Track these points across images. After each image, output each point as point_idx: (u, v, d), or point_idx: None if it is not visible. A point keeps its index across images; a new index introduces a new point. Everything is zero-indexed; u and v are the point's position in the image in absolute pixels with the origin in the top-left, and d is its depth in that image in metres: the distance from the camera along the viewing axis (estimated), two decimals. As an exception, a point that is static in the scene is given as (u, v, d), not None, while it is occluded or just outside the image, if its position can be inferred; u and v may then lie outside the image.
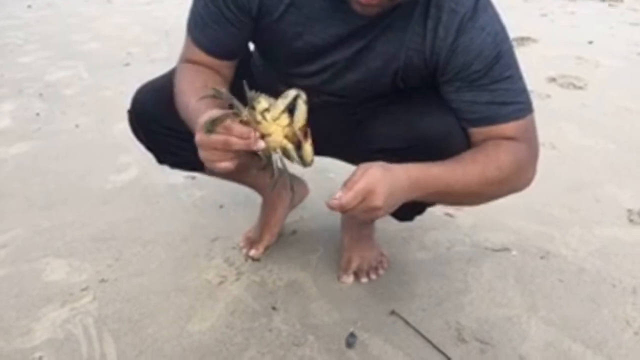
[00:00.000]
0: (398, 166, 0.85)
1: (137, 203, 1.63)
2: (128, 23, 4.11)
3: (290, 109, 0.79)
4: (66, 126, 2.21)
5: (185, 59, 1.04)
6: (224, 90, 0.81)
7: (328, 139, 1.19)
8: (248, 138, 0.76)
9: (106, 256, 1.38)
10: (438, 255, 1.38)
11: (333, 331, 1.13)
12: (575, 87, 2.62)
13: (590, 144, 2.01)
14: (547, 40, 3.41)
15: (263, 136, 0.78)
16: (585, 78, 2.71)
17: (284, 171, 0.84)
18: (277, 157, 0.83)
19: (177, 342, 1.11)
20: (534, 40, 3.39)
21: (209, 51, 1.01)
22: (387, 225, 1.41)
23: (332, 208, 0.81)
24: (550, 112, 2.25)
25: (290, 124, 0.79)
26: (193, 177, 1.71)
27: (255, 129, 0.77)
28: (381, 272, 1.30)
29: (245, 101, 0.79)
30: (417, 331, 1.13)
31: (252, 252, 1.36)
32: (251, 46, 1.12)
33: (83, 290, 1.26)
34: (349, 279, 1.28)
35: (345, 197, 0.79)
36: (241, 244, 1.40)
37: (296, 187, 1.45)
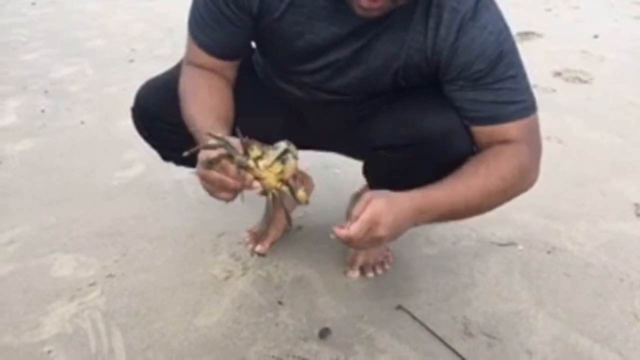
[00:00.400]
0: (401, 195, 0.87)
1: (143, 199, 1.63)
2: (132, 20, 4.11)
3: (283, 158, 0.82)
4: (71, 123, 2.22)
5: (189, 61, 1.04)
6: (219, 135, 0.82)
7: (330, 136, 1.20)
8: (243, 180, 0.80)
9: (113, 252, 1.39)
10: (444, 250, 1.38)
11: (340, 326, 1.13)
12: (580, 81, 2.60)
13: (595, 138, 2.00)
14: (551, 35, 3.39)
15: (258, 178, 0.81)
16: (590, 72, 2.70)
17: (282, 205, 0.89)
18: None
19: (184, 336, 1.12)
20: (539, 35, 3.38)
21: (210, 51, 1.01)
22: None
23: (338, 238, 0.83)
24: (556, 107, 2.24)
25: (283, 172, 0.82)
26: (198, 173, 1.71)
27: (250, 173, 0.81)
28: (387, 267, 1.31)
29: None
30: (423, 325, 1.13)
31: (258, 248, 1.36)
32: (252, 43, 1.12)
33: (91, 285, 1.27)
34: (355, 273, 1.28)
35: (353, 229, 0.81)
36: (247, 240, 1.41)
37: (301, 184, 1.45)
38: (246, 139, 0.80)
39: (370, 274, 1.28)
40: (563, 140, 1.97)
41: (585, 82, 2.60)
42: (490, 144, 0.95)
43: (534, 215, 1.50)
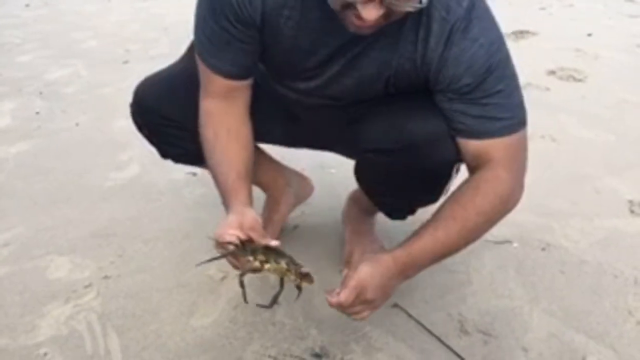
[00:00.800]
0: (385, 256, 0.93)
1: (138, 200, 1.63)
2: (126, 20, 4.10)
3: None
4: (66, 124, 2.21)
5: (205, 91, 1.04)
6: (232, 245, 0.90)
7: (325, 136, 1.20)
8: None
9: (108, 253, 1.39)
10: (439, 249, 1.38)
11: (336, 324, 1.14)
12: (574, 79, 2.61)
13: (590, 136, 2.01)
14: (546, 33, 3.40)
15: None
16: (584, 70, 2.71)
17: (280, 293, 0.96)
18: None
19: (181, 337, 1.12)
20: (533, 34, 3.39)
21: (226, 75, 1.00)
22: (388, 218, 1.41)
23: (330, 306, 0.91)
24: (550, 105, 2.24)
25: (288, 269, 0.90)
26: (194, 174, 1.71)
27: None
28: (383, 265, 1.31)
29: None
30: (419, 323, 1.13)
31: (254, 248, 1.37)
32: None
33: (86, 287, 1.27)
34: (351, 272, 1.29)
35: (342, 296, 0.89)
36: (243, 240, 1.41)
37: (300, 186, 1.45)
38: (251, 247, 0.89)
39: (366, 273, 1.29)
40: (557, 138, 1.97)
41: (580, 80, 2.61)
42: (475, 159, 0.95)
43: (528, 213, 1.51)
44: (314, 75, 1.01)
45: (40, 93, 2.59)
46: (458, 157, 0.98)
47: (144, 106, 1.13)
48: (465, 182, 0.96)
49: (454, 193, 0.97)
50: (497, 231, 1.44)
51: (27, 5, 4.72)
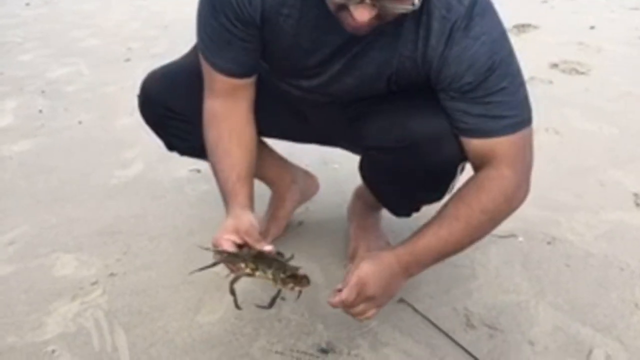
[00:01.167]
0: (387, 253, 0.93)
1: (143, 198, 1.63)
2: (127, 19, 4.10)
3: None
4: (69, 123, 2.22)
5: (209, 90, 1.04)
6: (224, 249, 0.92)
7: (329, 132, 1.20)
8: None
9: (114, 250, 1.39)
10: (444, 243, 1.38)
11: (342, 320, 1.14)
12: (577, 72, 2.61)
13: (593, 129, 2.01)
14: (548, 27, 3.39)
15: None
16: (587, 63, 2.70)
17: (279, 295, 0.96)
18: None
19: (188, 333, 1.12)
20: (535, 27, 3.38)
21: (230, 73, 1.01)
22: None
23: (333, 306, 0.92)
24: (553, 98, 2.24)
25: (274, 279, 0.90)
26: (198, 171, 1.71)
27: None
28: (388, 260, 1.31)
29: None
30: (425, 318, 1.13)
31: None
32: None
33: (93, 284, 1.27)
34: (357, 268, 1.29)
35: (344, 294, 0.89)
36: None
37: (306, 184, 1.45)
38: (244, 258, 0.90)
39: (372, 268, 1.29)
40: (560, 131, 1.97)
41: (583, 73, 2.60)
42: (479, 158, 0.94)
43: (533, 206, 1.50)
44: (315, 73, 1.01)
45: (42, 92, 2.59)
46: (462, 155, 0.97)
47: (151, 98, 1.14)
48: (470, 181, 0.95)
49: (458, 191, 0.96)
50: (502, 225, 1.41)
51: (27, 5, 4.72)
